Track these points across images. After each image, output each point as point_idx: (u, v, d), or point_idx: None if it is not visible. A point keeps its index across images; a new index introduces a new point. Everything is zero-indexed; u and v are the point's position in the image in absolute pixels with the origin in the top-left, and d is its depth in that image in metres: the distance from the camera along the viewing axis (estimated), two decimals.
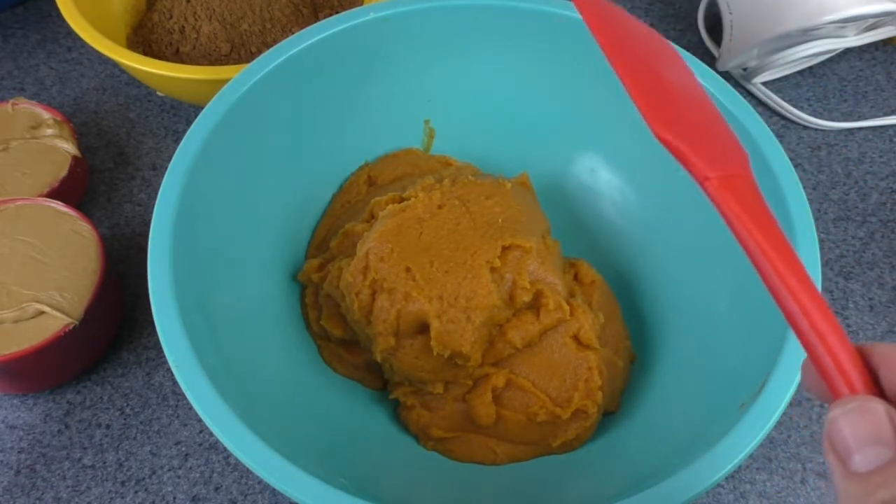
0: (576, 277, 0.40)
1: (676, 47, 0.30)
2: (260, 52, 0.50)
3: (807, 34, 0.50)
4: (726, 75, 0.56)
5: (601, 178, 0.45)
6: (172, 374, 0.31)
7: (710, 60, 0.56)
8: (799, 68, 0.56)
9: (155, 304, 0.31)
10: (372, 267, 0.35)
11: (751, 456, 0.38)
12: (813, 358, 0.19)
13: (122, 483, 0.38)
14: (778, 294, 0.20)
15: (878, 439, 0.17)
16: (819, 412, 0.41)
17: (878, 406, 0.17)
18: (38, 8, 0.60)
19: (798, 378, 0.30)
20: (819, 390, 0.21)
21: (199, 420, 0.40)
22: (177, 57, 0.51)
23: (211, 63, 0.51)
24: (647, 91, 0.23)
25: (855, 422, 0.17)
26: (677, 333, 0.39)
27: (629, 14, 0.26)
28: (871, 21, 0.52)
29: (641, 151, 0.42)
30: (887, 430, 0.17)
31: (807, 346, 0.19)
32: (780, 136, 0.53)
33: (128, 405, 0.41)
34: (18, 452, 0.39)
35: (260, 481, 0.39)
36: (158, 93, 0.54)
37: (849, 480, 0.17)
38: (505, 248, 0.36)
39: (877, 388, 0.18)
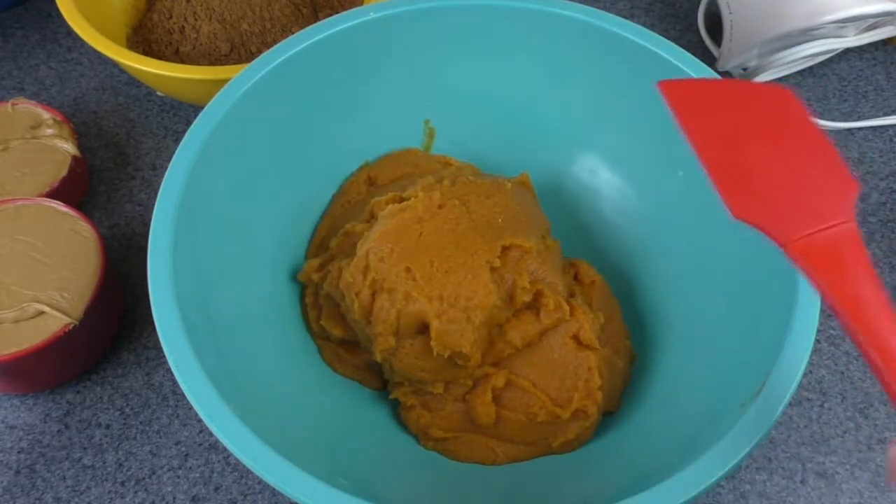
0: (576, 277, 0.40)
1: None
2: (260, 52, 0.50)
3: (807, 34, 0.50)
4: (726, 75, 0.56)
5: (601, 178, 0.45)
6: (172, 374, 0.31)
7: (710, 60, 0.56)
8: (799, 68, 0.56)
9: (155, 304, 0.31)
10: (372, 267, 0.35)
11: (751, 456, 0.38)
12: None
13: (122, 483, 0.38)
14: (865, 349, 0.20)
15: None
16: (818, 412, 0.41)
17: None
18: (38, 8, 0.60)
19: (798, 378, 0.30)
20: None
21: (199, 420, 0.40)
22: (177, 57, 0.51)
23: (211, 63, 0.51)
24: (727, 174, 0.24)
25: None
26: (678, 333, 0.39)
27: (726, 81, 0.26)
28: (871, 21, 0.52)
29: (641, 151, 0.42)
30: None
31: None
32: None
33: (128, 405, 0.41)
34: (18, 452, 0.39)
35: (260, 481, 0.39)
36: (158, 93, 0.54)
37: None
38: (505, 248, 0.36)
39: None
